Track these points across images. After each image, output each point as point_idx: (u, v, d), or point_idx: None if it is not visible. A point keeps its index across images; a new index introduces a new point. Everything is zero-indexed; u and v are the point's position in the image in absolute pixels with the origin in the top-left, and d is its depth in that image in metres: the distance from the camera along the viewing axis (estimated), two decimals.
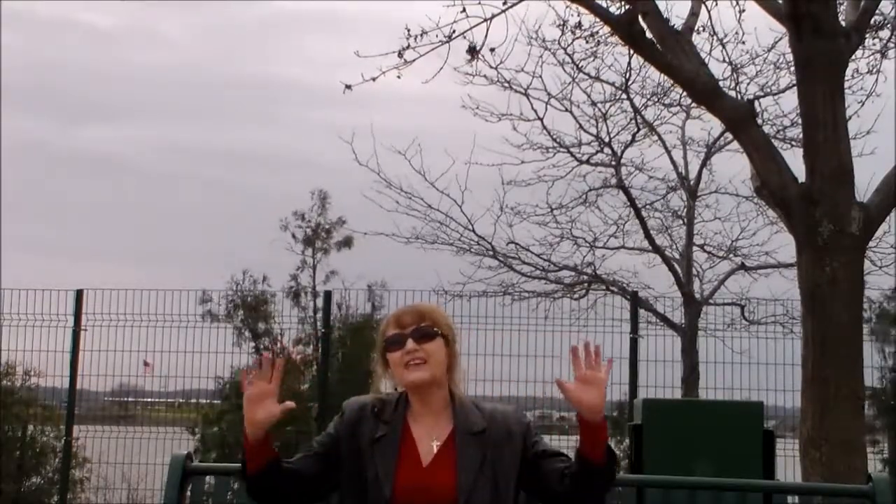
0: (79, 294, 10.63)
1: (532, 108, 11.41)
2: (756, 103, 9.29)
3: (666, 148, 12.34)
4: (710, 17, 9.91)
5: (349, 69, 11.44)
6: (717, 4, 9.90)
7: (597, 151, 11.95)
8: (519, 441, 2.84)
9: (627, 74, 11.07)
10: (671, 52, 6.99)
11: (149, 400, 13.40)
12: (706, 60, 7.81)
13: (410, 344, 2.83)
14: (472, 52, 8.47)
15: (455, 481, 2.75)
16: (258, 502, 2.88)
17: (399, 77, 7.94)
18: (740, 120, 7.00)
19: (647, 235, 11.98)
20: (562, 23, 10.25)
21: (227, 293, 13.23)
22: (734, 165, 13.51)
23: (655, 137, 12.26)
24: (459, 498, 2.72)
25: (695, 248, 12.38)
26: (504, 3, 7.95)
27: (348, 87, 7.96)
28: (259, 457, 2.76)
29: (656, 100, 11.74)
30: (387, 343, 2.88)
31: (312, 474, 2.86)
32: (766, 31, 10.64)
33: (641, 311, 10.51)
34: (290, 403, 2.78)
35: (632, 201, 11.92)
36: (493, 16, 7.92)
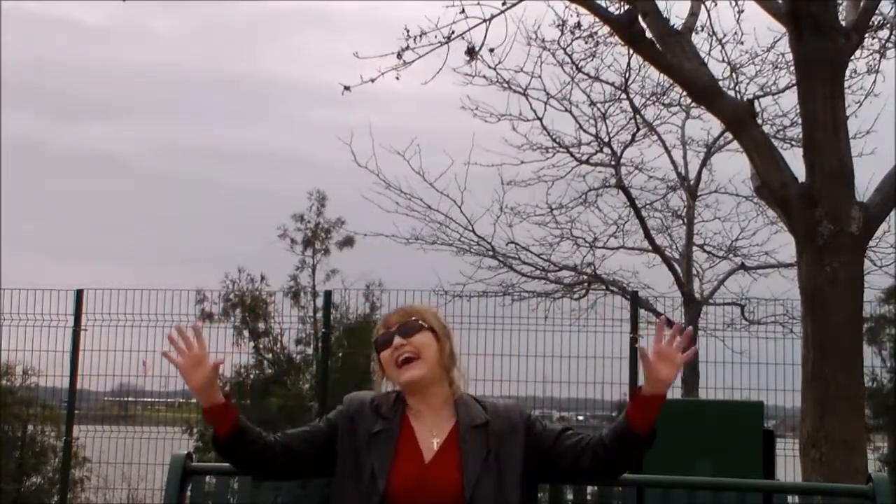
0: (79, 294, 10.62)
1: (531, 108, 11.44)
2: (756, 103, 9.30)
3: (666, 148, 12.36)
4: (709, 18, 9.94)
5: (348, 69, 11.45)
6: (716, 5, 9.93)
7: (596, 151, 11.97)
8: (522, 434, 2.84)
9: (627, 74, 11.09)
10: (671, 51, 6.98)
11: (149, 400, 13.40)
12: (706, 60, 7.81)
13: (397, 340, 2.86)
14: (471, 52, 8.47)
15: (459, 476, 2.75)
16: (236, 465, 2.91)
17: (398, 78, 7.96)
18: (740, 120, 7.00)
19: (647, 235, 11.98)
20: (561, 23, 10.28)
21: (223, 292, 13.23)
22: (734, 165, 13.55)
23: (655, 137, 12.27)
24: (465, 492, 2.72)
25: (695, 247, 12.39)
26: (503, 4, 7.95)
27: (347, 88, 7.96)
28: (223, 420, 2.79)
29: (656, 99, 11.75)
30: (376, 345, 2.93)
31: (299, 451, 2.89)
32: (764, 31, 10.70)
33: (641, 311, 10.51)
34: (219, 359, 2.80)
35: (632, 201, 11.92)
36: (493, 16, 7.91)
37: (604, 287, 11.86)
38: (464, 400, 2.91)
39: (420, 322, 2.90)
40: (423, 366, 2.85)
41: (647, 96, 11.68)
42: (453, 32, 7.95)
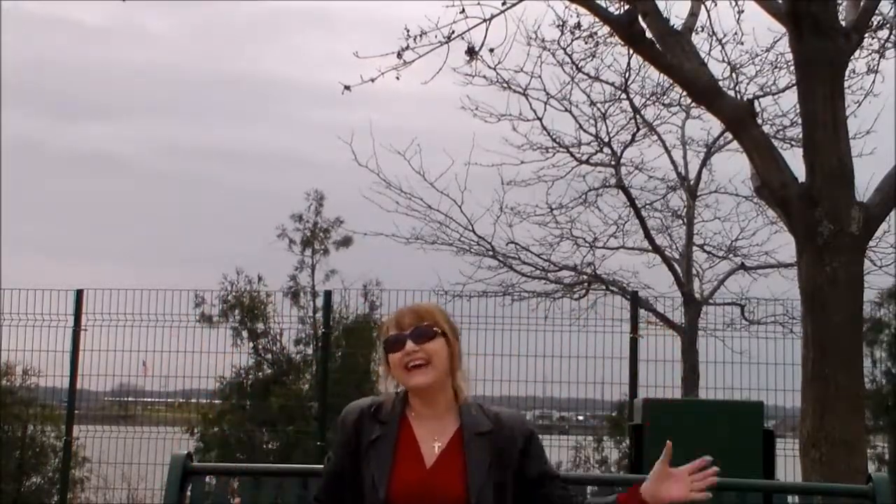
0: (79, 294, 10.63)
1: (531, 108, 11.44)
2: (756, 103, 9.29)
3: (666, 148, 12.35)
4: (709, 18, 9.94)
5: (348, 69, 11.46)
6: (716, 5, 9.93)
7: (596, 151, 11.95)
8: (520, 447, 2.82)
9: (627, 74, 11.08)
10: (671, 51, 6.98)
11: (149, 400, 13.41)
12: (706, 60, 7.81)
13: (410, 345, 2.80)
14: (471, 52, 8.47)
15: (463, 482, 2.72)
16: None
17: (398, 78, 7.95)
18: (740, 120, 7.00)
19: (647, 235, 11.97)
20: (561, 23, 10.27)
21: (221, 293, 13.20)
22: (734, 165, 13.54)
23: (655, 137, 12.26)
24: (471, 498, 2.70)
25: (695, 247, 12.38)
26: (503, 4, 7.95)
27: (347, 87, 7.95)
28: None
29: (656, 99, 11.74)
30: (386, 344, 2.85)
31: (342, 497, 2.85)
32: (764, 31, 10.68)
33: (641, 311, 10.51)
34: None
35: (631, 201, 11.91)
36: (493, 16, 7.91)
37: (604, 287, 11.85)
38: (468, 405, 2.88)
39: (434, 328, 2.83)
40: (431, 372, 2.80)
41: (647, 96, 11.68)
42: (453, 32, 7.95)
